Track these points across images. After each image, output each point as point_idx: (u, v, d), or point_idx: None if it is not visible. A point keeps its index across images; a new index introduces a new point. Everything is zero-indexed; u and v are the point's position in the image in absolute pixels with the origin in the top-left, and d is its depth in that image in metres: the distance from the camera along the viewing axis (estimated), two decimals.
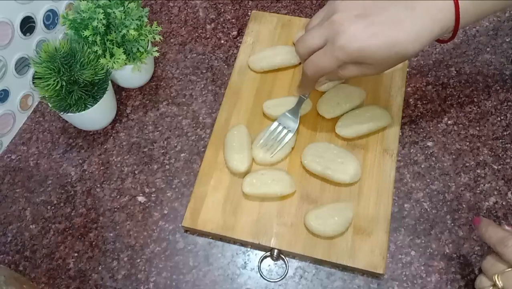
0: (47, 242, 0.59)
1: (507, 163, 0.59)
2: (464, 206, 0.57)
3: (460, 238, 0.55)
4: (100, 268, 0.56)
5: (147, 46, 0.64)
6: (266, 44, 0.70)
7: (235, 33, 0.74)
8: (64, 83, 0.57)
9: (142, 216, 0.59)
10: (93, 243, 0.58)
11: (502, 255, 0.43)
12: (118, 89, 0.69)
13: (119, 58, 0.61)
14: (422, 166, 0.60)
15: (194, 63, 0.72)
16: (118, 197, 0.61)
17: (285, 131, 0.60)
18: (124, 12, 0.61)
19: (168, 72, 0.71)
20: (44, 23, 0.67)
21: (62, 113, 0.60)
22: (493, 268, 0.44)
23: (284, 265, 0.55)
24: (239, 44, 0.72)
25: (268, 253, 0.55)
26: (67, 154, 0.65)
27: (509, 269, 0.42)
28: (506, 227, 0.45)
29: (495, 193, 0.57)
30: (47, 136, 0.67)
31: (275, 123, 0.60)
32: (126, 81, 0.68)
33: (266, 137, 0.60)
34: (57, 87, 0.56)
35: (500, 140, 0.61)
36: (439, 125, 0.63)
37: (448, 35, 0.48)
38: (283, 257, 0.55)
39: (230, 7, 0.77)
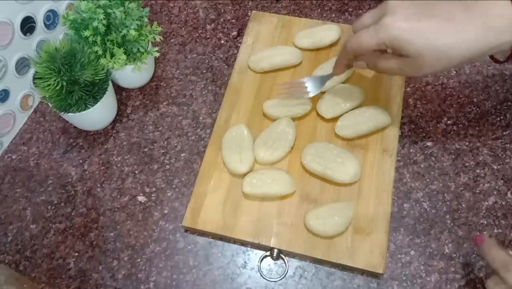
0: (48, 241, 0.59)
1: (506, 163, 0.59)
2: (463, 205, 0.57)
3: (459, 238, 0.55)
4: (100, 268, 0.56)
5: (147, 46, 0.64)
6: (266, 44, 0.70)
7: (235, 33, 0.74)
8: (64, 83, 0.57)
9: (142, 216, 0.59)
10: (94, 242, 0.58)
11: (504, 280, 0.43)
12: (119, 89, 0.70)
13: (120, 59, 0.61)
14: (422, 166, 0.60)
15: (194, 63, 0.72)
16: (119, 196, 0.61)
17: (306, 89, 0.61)
18: (124, 13, 0.61)
19: (168, 72, 0.71)
20: (44, 23, 0.67)
21: (62, 113, 0.60)
22: (497, 287, 0.44)
23: (284, 265, 0.55)
24: (239, 44, 0.72)
25: (268, 253, 0.55)
26: (67, 154, 0.65)
27: None
28: (511, 252, 0.45)
29: (495, 193, 0.58)
30: (48, 136, 0.67)
31: (306, 78, 0.62)
32: (126, 82, 0.68)
33: (290, 84, 0.63)
34: (58, 87, 0.57)
35: (500, 141, 0.61)
36: (438, 125, 0.63)
37: (505, 53, 0.45)
38: (283, 256, 0.55)
39: (230, 7, 0.77)
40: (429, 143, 0.62)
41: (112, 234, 0.58)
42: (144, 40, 0.64)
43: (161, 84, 0.70)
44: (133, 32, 0.60)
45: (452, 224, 0.56)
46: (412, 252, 0.55)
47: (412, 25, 0.45)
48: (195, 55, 0.73)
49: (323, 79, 0.61)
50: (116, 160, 0.64)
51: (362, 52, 0.51)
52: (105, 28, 0.60)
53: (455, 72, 0.67)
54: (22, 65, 0.65)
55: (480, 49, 0.43)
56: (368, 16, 0.51)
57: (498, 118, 0.63)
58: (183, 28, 0.75)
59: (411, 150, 0.61)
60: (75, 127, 0.67)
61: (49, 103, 0.60)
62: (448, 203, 0.57)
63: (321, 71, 0.65)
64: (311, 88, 0.61)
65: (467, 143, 0.61)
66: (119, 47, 0.62)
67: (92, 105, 0.60)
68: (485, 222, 0.56)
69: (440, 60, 0.45)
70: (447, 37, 0.43)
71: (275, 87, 0.66)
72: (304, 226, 0.55)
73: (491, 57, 0.49)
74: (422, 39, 0.44)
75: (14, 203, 0.62)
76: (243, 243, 0.57)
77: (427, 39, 0.44)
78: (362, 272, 0.53)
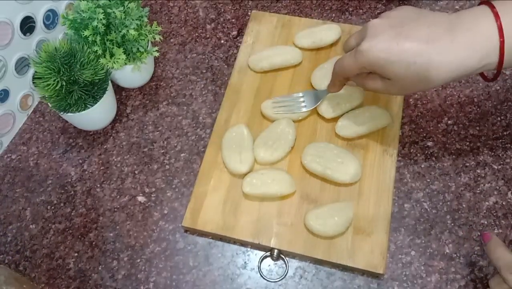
0: (47, 242, 0.59)
1: (507, 163, 0.59)
2: (464, 206, 0.57)
3: (460, 238, 0.55)
4: (100, 268, 0.56)
5: (147, 46, 0.64)
6: (266, 44, 0.70)
7: (235, 33, 0.74)
8: (64, 83, 0.57)
9: (142, 216, 0.59)
10: (93, 243, 0.58)
11: (505, 280, 0.43)
12: (118, 89, 0.69)
13: (119, 58, 0.61)
14: (422, 166, 0.60)
15: (194, 63, 0.72)
16: (118, 197, 0.61)
17: (303, 103, 0.62)
18: (124, 12, 0.61)
19: (168, 72, 0.71)
20: (44, 23, 0.67)
21: (62, 113, 0.60)
22: (498, 287, 0.44)
23: (284, 265, 0.55)
24: (239, 44, 0.72)
25: (268, 253, 0.55)
26: (67, 154, 0.65)
27: None
28: None
29: (495, 193, 0.57)
30: (47, 136, 0.67)
31: (300, 93, 0.63)
32: (126, 81, 0.68)
33: (285, 99, 0.63)
34: (57, 87, 0.56)
35: (500, 141, 0.61)
36: (439, 125, 0.63)
37: (492, 71, 0.44)
38: (283, 257, 0.55)
39: (230, 7, 0.77)
40: (429, 143, 0.61)
41: (111, 234, 0.58)
42: (144, 40, 0.63)
43: (161, 84, 0.70)
44: (132, 32, 0.60)
45: (452, 224, 0.56)
46: (413, 252, 0.54)
47: (390, 49, 0.44)
48: (195, 55, 0.72)
49: (319, 94, 0.61)
50: (115, 160, 0.64)
51: (348, 76, 0.51)
52: (104, 28, 0.60)
53: None
54: (21, 65, 0.65)
55: (463, 70, 0.43)
56: (353, 38, 0.51)
57: (499, 118, 0.63)
58: (183, 28, 0.75)
59: (412, 150, 0.61)
60: (74, 127, 0.67)
61: (48, 103, 0.60)
62: (448, 203, 0.57)
63: (321, 71, 0.65)
64: (307, 103, 0.62)
65: (467, 143, 0.61)
66: (119, 47, 0.62)
67: (92, 105, 0.60)
68: (486, 222, 0.55)
69: (422, 81, 0.44)
70: (426, 59, 0.43)
71: (272, 100, 0.64)
72: (304, 226, 0.55)
73: (481, 74, 0.49)
74: (401, 62, 0.44)
75: (14, 203, 0.62)
76: (243, 244, 0.56)
77: (405, 62, 0.44)
78: (363, 272, 0.53)
